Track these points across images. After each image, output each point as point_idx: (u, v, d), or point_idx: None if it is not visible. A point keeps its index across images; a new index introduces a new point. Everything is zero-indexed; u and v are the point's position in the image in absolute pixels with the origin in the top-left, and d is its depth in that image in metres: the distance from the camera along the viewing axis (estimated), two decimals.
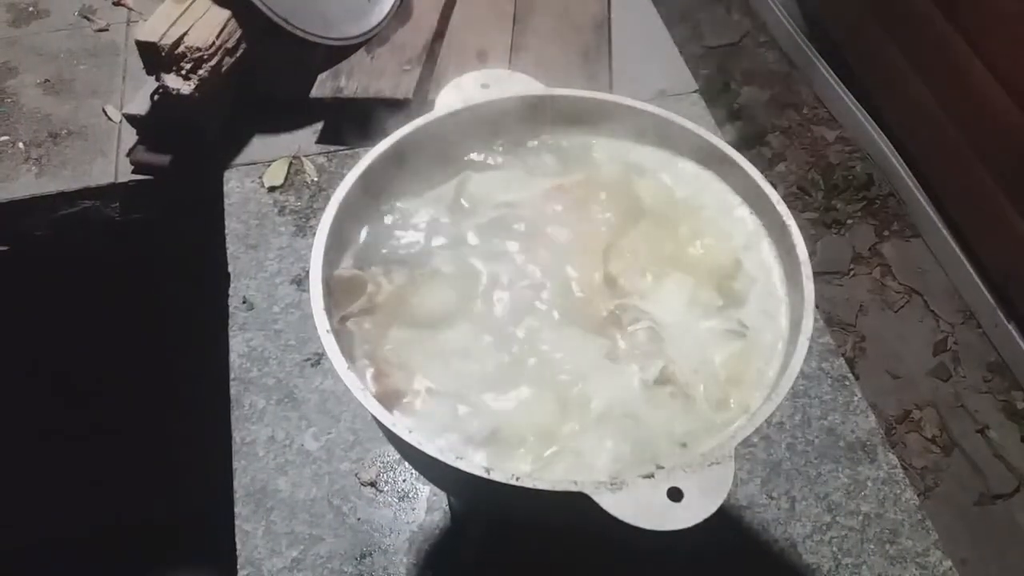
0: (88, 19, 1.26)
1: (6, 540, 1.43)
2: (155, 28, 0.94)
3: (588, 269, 0.61)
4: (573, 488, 0.44)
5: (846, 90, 2.14)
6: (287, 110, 1.05)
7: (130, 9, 1.27)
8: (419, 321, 0.58)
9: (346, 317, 0.56)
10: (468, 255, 0.62)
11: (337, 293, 0.56)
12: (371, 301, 0.58)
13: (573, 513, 0.48)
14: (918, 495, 0.77)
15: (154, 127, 1.02)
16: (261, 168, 1.02)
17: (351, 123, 1.00)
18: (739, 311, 0.58)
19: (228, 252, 0.94)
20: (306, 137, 1.06)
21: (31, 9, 1.28)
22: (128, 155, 1.04)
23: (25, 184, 1.04)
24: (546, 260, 0.62)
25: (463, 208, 0.64)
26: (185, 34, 0.94)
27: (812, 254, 0.56)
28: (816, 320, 0.74)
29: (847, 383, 0.83)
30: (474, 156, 0.67)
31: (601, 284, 0.60)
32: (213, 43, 0.96)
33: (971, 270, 1.79)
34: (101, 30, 1.24)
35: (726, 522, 0.73)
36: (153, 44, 0.92)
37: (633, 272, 0.61)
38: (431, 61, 1.08)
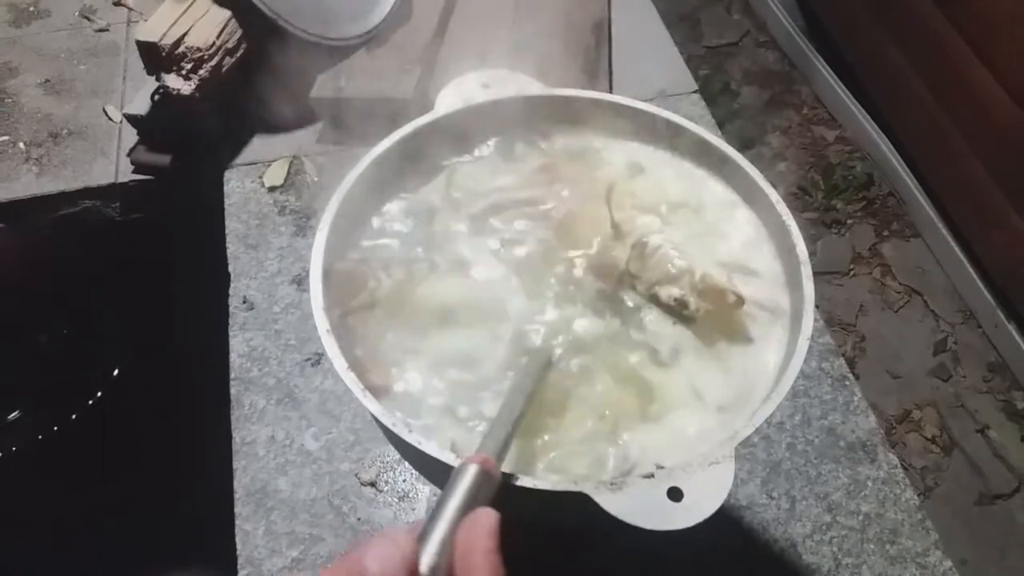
0: (88, 19, 1.26)
1: (4, 540, 1.43)
2: (155, 28, 0.94)
3: (594, 230, 0.62)
4: (573, 488, 0.44)
5: (846, 90, 2.14)
6: (287, 110, 1.05)
7: (130, 9, 1.27)
8: (420, 316, 0.58)
9: (347, 313, 0.56)
10: (465, 245, 0.62)
11: (337, 288, 0.56)
12: (372, 296, 0.58)
13: (574, 513, 0.48)
14: (918, 495, 0.77)
15: (154, 127, 1.02)
16: (261, 168, 1.02)
17: (351, 123, 1.00)
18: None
19: (228, 252, 0.94)
20: (306, 137, 1.06)
21: (31, 9, 1.28)
22: (128, 155, 1.04)
23: (25, 184, 1.04)
24: (546, 236, 0.62)
25: (456, 199, 0.65)
26: (185, 34, 0.94)
27: (812, 254, 0.56)
28: (816, 320, 0.74)
29: (847, 383, 0.83)
30: (467, 154, 0.68)
31: (610, 235, 0.61)
32: (213, 43, 0.96)
33: (971, 270, 1.79)
34: (101, 30, 1.24)
35: (726, 522, 0.73)
36: (153, 44, 0.92)
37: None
38: (431, 61, 1.08)
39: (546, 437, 0.52)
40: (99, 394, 1.20)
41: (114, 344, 1.17)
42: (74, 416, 1.17)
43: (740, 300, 0.55)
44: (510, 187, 0.65)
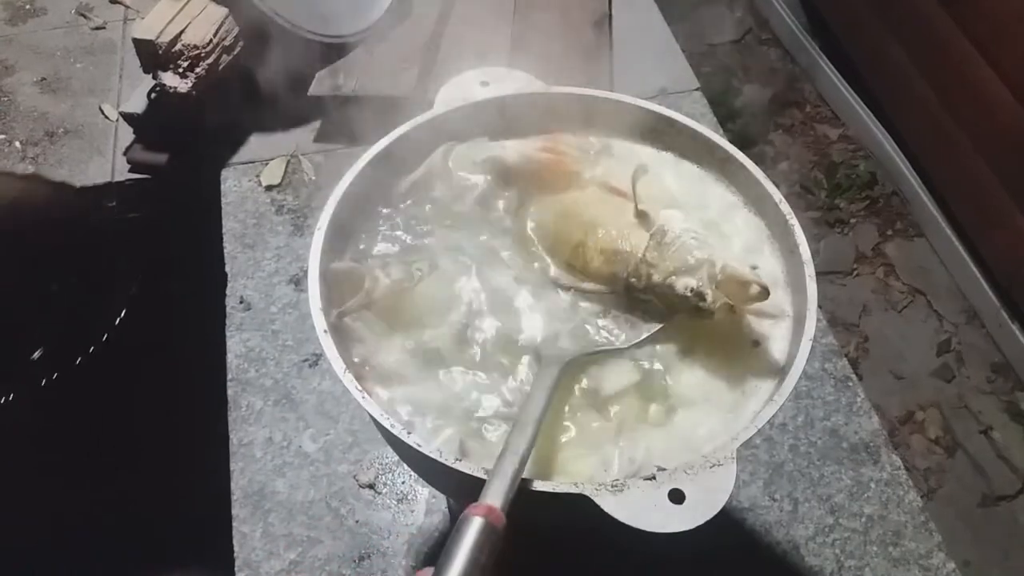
0: (85, 17, 1.25)
1: (2, 537, 1.42)
2: (152, 26, 0.93)
3: (608, 216, 0.60)
4: (574, 490, 0.43)
5: (849, 88, 2.13)
6: (285, 108, 1.04)
7: (127, 7, 1.26)
8: (419, 315, 0.57)
9: (345, 313, 0.55)
10: (465, 237, 0.61)
11: (335, 288, 0.55)
12: (370, 296, 0.57)
13: (574, 515, 0.48)
14: (921, 496, 0.76)
15: (151, 126, 1.01)
16: (259, 167, 1.02)
17: (349, 121, 0.99)
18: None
19: (225, 251, 0.93)
20: (304, 135, 1.05)
21: (28, 7, 1.27)
22: (125, 154, 1.04)
23: None
24: (550, 224, 0.61)
25: (451, 178, 0.63)
26: (182, 32, 0.94)
27: (815, 254, 0.55)
28: (819, 320, 0.73)
29: (850, 384, 0.82)
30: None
31: (631, 223, 0.59)
32: (210, 41, 0.95)
33: (975, 270, 1.78)
34: (98, 28, 1.24)
35: (728, 524, 0.73)
36: (150, 42, 0.92)
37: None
38: (430, 58, 1.07)
39: (551, 440, 0.51)
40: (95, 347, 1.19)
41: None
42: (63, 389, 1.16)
43: (765, 291, 0.52)
44: (510, 165, 0.64)
